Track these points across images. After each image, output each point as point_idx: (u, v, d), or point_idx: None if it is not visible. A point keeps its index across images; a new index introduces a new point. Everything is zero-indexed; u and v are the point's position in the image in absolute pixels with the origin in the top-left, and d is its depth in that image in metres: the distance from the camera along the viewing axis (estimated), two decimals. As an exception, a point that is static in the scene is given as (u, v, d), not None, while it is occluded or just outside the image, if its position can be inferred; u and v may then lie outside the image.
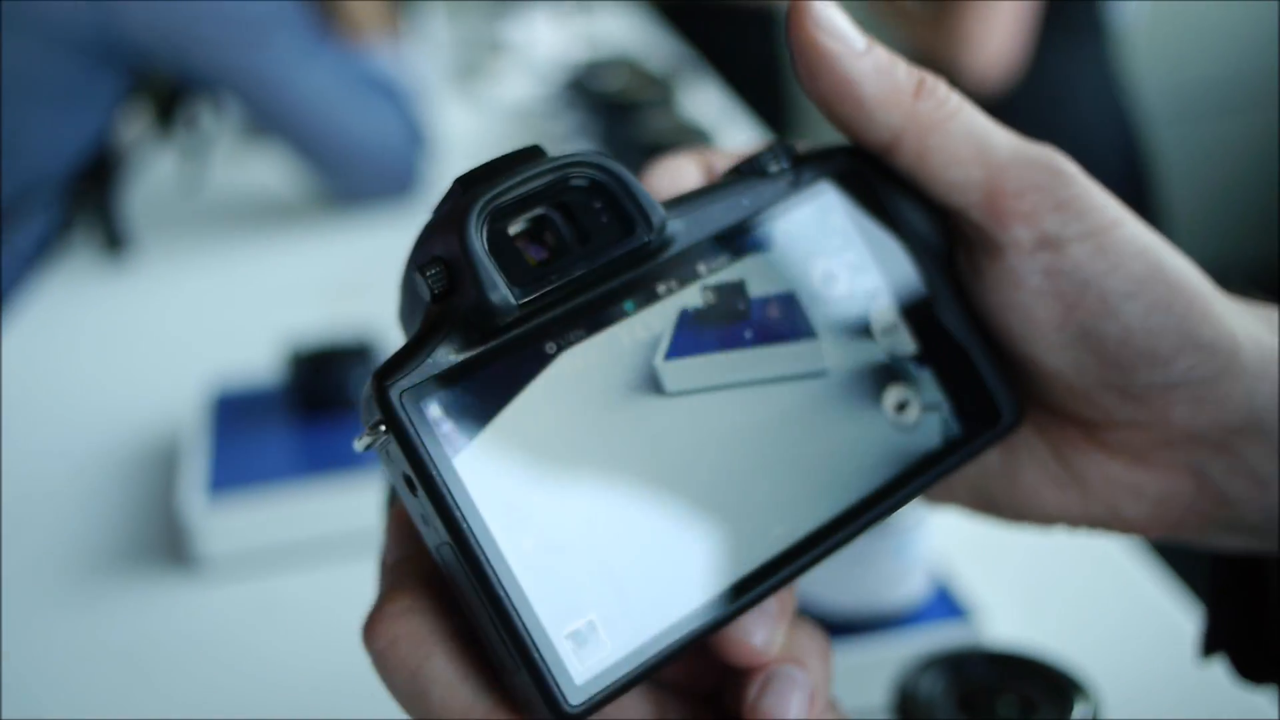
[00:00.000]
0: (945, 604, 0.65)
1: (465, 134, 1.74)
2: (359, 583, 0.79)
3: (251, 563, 0.78)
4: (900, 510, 0.60)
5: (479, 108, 1.89)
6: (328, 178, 1.44)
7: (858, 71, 0.35)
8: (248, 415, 0.88)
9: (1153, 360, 0.35)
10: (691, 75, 1.86)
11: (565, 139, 1.58)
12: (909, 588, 0.64)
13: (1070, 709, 0.49)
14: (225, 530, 0.78)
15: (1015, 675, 0.51)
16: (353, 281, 1.23)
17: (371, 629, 0.31)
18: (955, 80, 0.37)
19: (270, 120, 1.40)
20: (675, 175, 0.38)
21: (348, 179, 1.43)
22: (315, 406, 0.87)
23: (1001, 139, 0.35)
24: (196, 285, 1.30)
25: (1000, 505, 0.40)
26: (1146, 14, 2.51)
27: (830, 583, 0.62)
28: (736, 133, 1.65)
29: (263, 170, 1.61)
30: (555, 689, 0.29)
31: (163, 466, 0.91)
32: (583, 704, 0.29)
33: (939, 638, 0.63)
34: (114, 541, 0.83)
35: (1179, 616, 0.70)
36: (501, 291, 0.30)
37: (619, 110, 1.47)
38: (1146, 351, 0.35)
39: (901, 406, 0.35)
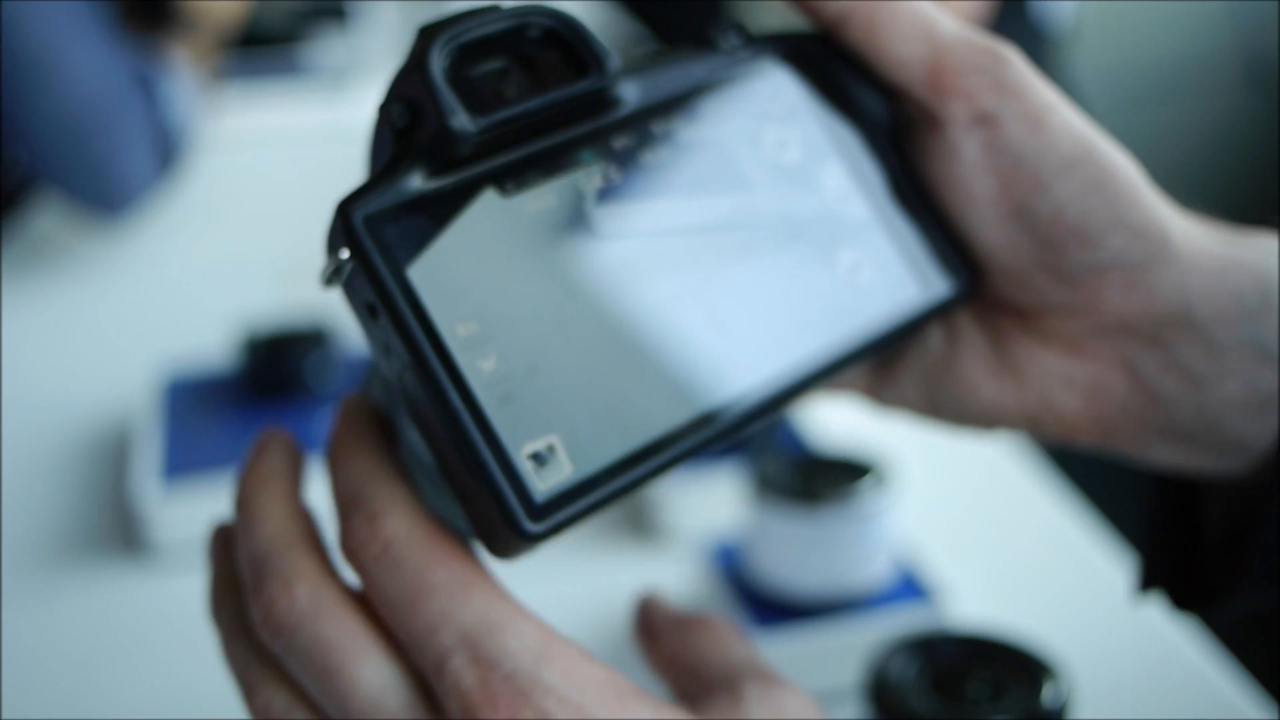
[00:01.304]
0: (910, 586, 0.65)
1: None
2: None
3: (204, 549, 0.77)
4: (867, 495, 0.60)
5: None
6: (24, 145, 1.22)
7: None
8: (201, 401, 0.87)
9: (1083, 239, 0.37)
10: (641, 48, 1.85)
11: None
12: (874, 570, 0.63)
13: (1040, 690, 0.49)
14: (179, 517, 0.77)
15: (985, 657, 0.51)
16: (307, 266, 1.22)
17: (347, 547, 0.32)
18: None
19: None
20: None
21: (45, 155, 1.21)
22: (270, 392, 0.86)
23: (947, 22, 0.37)
24: (147, 268, 1.28)
25: (943, 400, 0.41)
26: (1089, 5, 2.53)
27: (796, 566, 0.62)
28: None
29: (212, 153, 1.59)
30: (515, 508, 0.29)
31: (114, 453, 0.89)
32: (543, 524, 0.29)
33: (905, 619, 0.63)
34: (65, 530, 0.81)
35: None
36: (460, 117, 0.31)
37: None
38: (1077, 230, 0.36)
39: (855, 268, 0.37)
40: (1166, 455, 0.39)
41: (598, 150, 0.34)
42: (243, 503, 0.34)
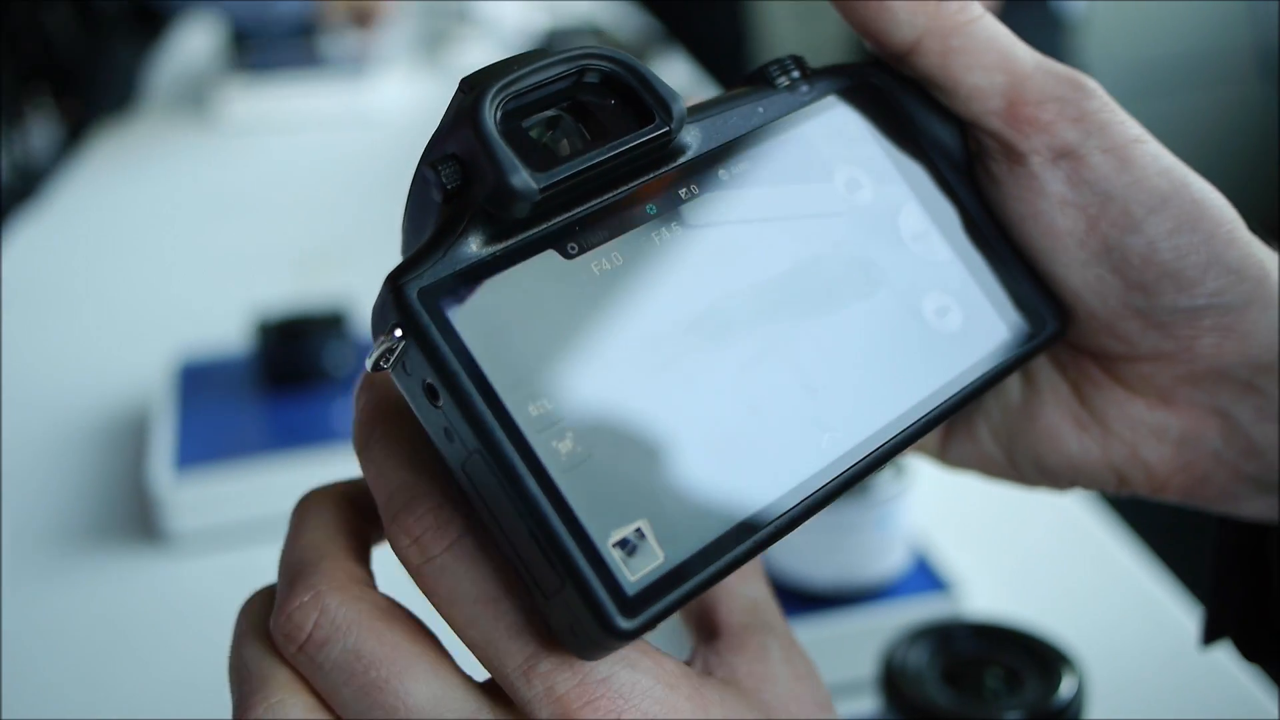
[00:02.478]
0: (925, 576, 0.65)
1: (430, 103, 1.72)
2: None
3: (222, 537, 0.77)
4: (882, 481, 0.59)
5: (446, 77, 1.87)
6: None
7: None
8: (215, 388, 0.87)
9: (1178, 281, 0.34)
10: (659, 47, 1.85)
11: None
12: (890, 560, 0.63)
13: (1057, 681, 0.49)
14: (192, 506, 0.77)
15: (1001, 647, 0.51)
16: (322, 252, 1.22)
17: (411, 536, 0.29)
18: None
19: None
20: None
21: None
22: (284, 378, 0.86)
23: (1024, 50, 0.35)
24: (161, 253, 1.28)
25: (1022, 455, 0.39)
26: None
27: (812, 555, 0.62)
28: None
29: (229, 139, 1.59)
30: (606, 603, 0.26)
31: (130, 439, 0.89)
32: (637, 619, 0.27)
33: (920, 610, 0.62)
34: (82, 516, 0.81)
35: (1151, 585, 0.70)
36: (522, 175, 0.28)
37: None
38: (1172, 271, 0.34)
39: (942, 312, 0.35)
40: (1256, 508, 0.37)
41: (663, 202, 0.31)
42: (295, 510, 0.33)
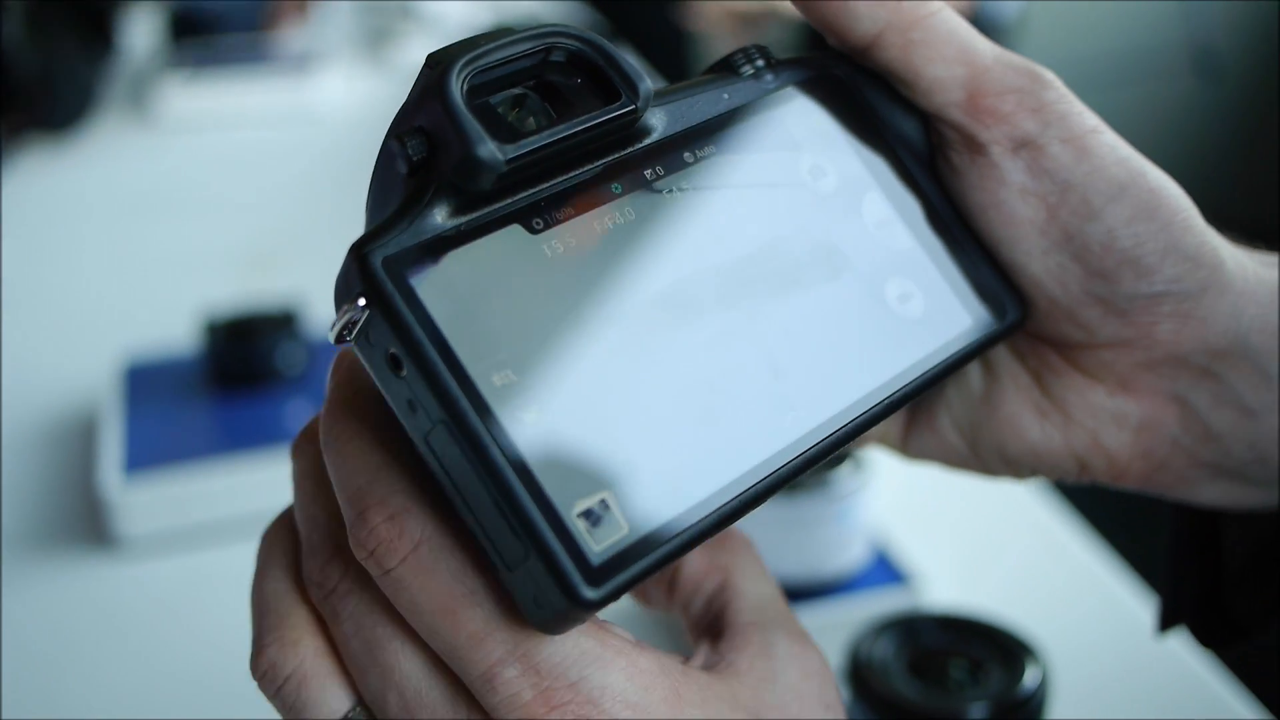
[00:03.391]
0: (885, 569, 0.65)
1: (375, 100, 1.71)
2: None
3: (173, 541, 0.76)
4: (842, 476, 0.59)
5: (390, 74, 1.85)
6: None
7: None
8: (164, 389, 0.85)
9: (1137, 268, 0.35)
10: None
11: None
12: (850, 553, 0.63)
13: (1021, 671, 0.49)
14: (144, 508, 0.76)
15: (965, 638, 0.51)
16: (270, 250, 1.20)
17: (366, 549, 0.28)
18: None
19: None
20: None
21: None
22: (234, 379, 0.85)
23: (983, 43, 0.36)
24: (105, 254, 1.26)
25: (985, 444, 0.39)
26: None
27: (773, 550, 0.62)
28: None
29: (174, 136, 1.57)
30: (571, 572, 0.26)
31: (78, 443, 0.87)
32: (602, 589, 0.27)
33: (881, 603, 0.63)
34: (31, 521, 0.80)
35: (1105, 574, 0.70)
36: (488, 146, 0.28)
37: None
38: (1131, 258, 0.35)
39: (904, 298, 0.35)
40: (1213, 493, 0.38)
41: (629, 182, 0.31)
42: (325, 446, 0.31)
